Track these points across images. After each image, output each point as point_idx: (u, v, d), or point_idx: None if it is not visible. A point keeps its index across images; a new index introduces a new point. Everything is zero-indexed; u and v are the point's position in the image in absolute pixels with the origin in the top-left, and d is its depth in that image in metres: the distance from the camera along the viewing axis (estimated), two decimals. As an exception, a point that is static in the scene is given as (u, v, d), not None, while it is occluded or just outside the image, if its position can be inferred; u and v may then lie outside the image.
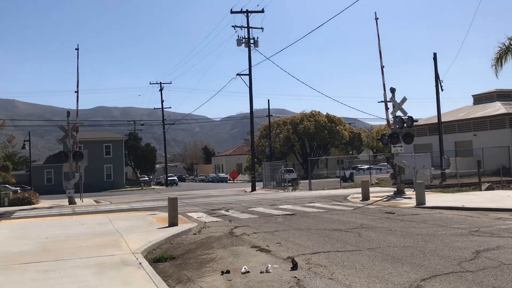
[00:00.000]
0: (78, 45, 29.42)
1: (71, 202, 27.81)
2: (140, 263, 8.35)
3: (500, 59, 24.15)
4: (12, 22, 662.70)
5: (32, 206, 27.71)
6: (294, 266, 7.78)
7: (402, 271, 7.27)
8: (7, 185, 35.60)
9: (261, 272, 7.61)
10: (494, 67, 24.47)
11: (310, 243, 10.16)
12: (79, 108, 29.06)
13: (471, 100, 53.42)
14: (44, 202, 30.82)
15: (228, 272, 7.75)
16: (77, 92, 28.65)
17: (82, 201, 29.67)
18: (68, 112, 28.59)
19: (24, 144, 46.23)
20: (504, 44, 24.23)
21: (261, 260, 8.64)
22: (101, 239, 11.52)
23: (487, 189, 23.89)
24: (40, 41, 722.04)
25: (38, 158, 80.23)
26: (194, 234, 12.54)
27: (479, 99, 51.68)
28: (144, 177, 79.49)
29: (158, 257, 9.35)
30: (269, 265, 7.95)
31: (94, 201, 31.54)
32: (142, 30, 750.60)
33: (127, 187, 65.47)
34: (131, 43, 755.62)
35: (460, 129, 46.55)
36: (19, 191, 32.97)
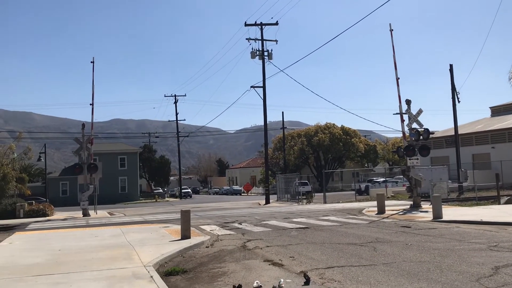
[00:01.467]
0: (93, 58, 29.80)
1: (85, 214, 27.93)
2: (151, 277, 8.26)
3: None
4: (28, 35, 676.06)
5: (47, 218, 27.89)
6: (307, 281, 7.61)
7: (418, 287, 7.05)
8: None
9: (274, 287, 7.46)
10: (511, 80, 24.11)
11: (324, 257, 9.97)
12: (95, 120, 29.31)
13: (489, 112, 52.77)
14: (59, 214, 31.01)
15: (240, 286, 7.61)
16: (92, 104, 28.92)
17: (96, 213, 29.78)
18: (83, 125, 28.85)
19: (40, 156, 46.84)
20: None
21: (274, 274, 8.48)
22: (113, 251, 11.47)
23: (506, 202, 23.40)
24: (57, 54, 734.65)
25: (54, 170, 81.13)
26: (206, 247, 12.43)
27: (497, 111, 51.01)
28: (158, 189, 79.75)
29: (169, 271, 9.25)
30: (282, 280, 7.79)
31: (108, 213, 31.63)
32: (157, 44, 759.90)
33: (141, 199, 65.69)
34: (146, 56, 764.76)
35: (478, 141, 45.88)
36: (34, 203, 33.21)
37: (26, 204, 30.06)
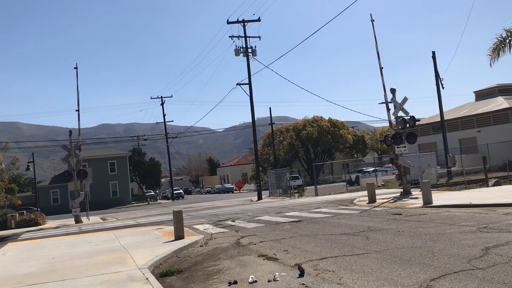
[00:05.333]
0: (76, 64, 29.68)
1: (78, 221, 27.79)
2: (147, 278, 8.28)
3: (497, 50, 24.13)
4: (12, 42, 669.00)
5: (39, 227, 27.71)
6: (301, 273, 7.69)
7: (411, 272, 7.17)
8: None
9: (269, 281, 7.53)
10: (490, 57, 24.46)
11: (318, 249, 10.06)
12: (83, 126, 29.14)
13: (473, 97, 53.22)
14: (51, 223, 30.81)
15: (235, 282, 7.67)
16: (78, 110, 28.74)
17: (89, 219, 29.63)
18: (70, 131, 28.65)
19: (28, 166, 46.42)
20: (501, 35, 24.20)
21: (269, 268, 8.55)
22: (108, 256, 11.46)
23: (494, 184, 23.72)
24: (42, 62, 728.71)
25: (44, 178, 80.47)
26: (200, 246, 12.46)
27: (481, 95, 51.46)
28: (150, 192, 79.51)
29: (165, 271, 9.28)
30: (277, 274, 7.86)
31: (101, 218, 31.50)
32: (141, 47, 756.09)
33: (133, 203, 65.45)
34: (131, 60, 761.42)
35: (464, 126, 46.33)
36: (25, 212, 32.96)
37: (17, 214, 29.82)
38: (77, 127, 28.82)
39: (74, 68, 29.51)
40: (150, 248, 12.30)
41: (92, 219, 30.12)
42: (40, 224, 28.91)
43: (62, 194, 61.55)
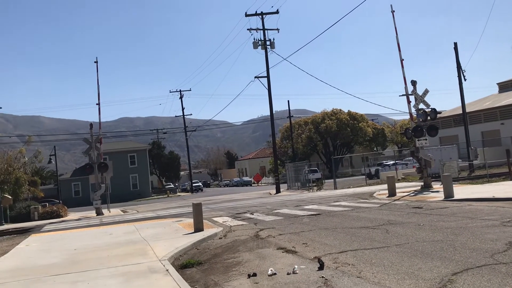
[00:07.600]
0: (96, 58, 29.88)
1: (99, 213, 28.18)
2: (167, 270, 8.35)
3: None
4: (34, 38, 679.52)
5: (61, 219, 28.20)
6: (321, 266, 7.66)
7: (432, 266, 7.08)
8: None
9: (288, 274, 7.52)
10: None
11: (337, 242, 10.01)
12: (103, 120, 29.43)
13: (496, 89, 52.26)
14: (73, 215, 31.32)
15: (254, 275, 7.69)
16: (98, 104, 29.03)
17: (109, 212, 30.03)
18: (91, 125, 28.99)
19: (50, 159, 47.23)
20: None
21: (288, 261, 8.55)
22: (128, 248, 11.59)
23: (518, 178, 23.24)
24: (63, 57, 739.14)
25: (65, 171, 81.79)
26: (220, 238, 12.52)
27: (505, 86, 50.50)
28: (170, 184, 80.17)
29: (185, 263, 9.34)
30: (296, 266, 7.85)
31: (121, 210, 31.88)
32: (159, 42, 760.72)
33: (153, 196, 66.11)
34: (150, 55, 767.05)
35: (486, 118, 45.53)
36: (47, 205, 33.57)
37: (40, 206, 30.42)
38: (98, 120, 29.14)
39: (94, 62, 29.80)
40: (170, 240, 12.40)
41: (113, 211, 30.52)
42: (62, 216, 29.44)
43: (83, 187, 62.50)
